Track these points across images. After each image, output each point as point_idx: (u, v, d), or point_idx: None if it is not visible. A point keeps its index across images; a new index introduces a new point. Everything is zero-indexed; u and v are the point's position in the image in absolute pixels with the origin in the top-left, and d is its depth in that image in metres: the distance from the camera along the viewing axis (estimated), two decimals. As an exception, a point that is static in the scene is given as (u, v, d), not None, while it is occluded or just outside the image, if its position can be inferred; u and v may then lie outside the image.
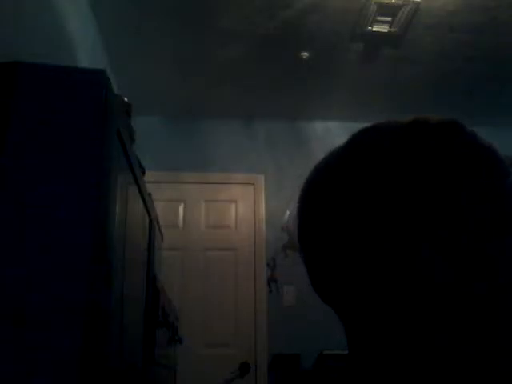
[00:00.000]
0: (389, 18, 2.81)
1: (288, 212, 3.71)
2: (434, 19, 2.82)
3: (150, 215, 1.98)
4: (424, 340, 0.42)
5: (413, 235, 0.43)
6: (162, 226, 2.68)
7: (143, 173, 1.96)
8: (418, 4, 2.69)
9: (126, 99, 1.91)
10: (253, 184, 3.83)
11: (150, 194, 2.06)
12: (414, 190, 0.44)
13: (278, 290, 3.61)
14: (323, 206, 0.49)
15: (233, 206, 3.80)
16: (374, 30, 2.89)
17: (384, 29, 2.89)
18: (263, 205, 3.78)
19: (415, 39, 3.00)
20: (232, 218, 3.78)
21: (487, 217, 0.43)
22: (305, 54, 3.14)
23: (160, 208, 2.82)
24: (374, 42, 3.04)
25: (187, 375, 3.07)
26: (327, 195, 0.49)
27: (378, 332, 0.45)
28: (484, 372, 0.41)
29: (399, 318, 0.43)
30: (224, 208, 3.79)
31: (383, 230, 0.44)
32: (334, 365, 3.04)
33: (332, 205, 0.48)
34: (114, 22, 2.81)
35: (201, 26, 2.87)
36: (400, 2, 2.67)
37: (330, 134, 3.80)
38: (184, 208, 3.75)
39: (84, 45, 2.53)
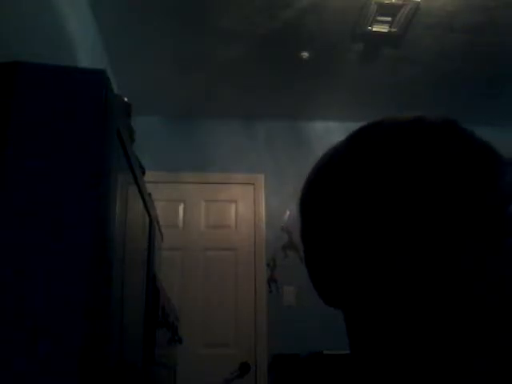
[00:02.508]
0: (389, 18, 2.81)
1: (288, 212, 3.71)
2: (434, 19, 2.82)
3: (150, 215, 1.98)
4: (424, 340, 0.42)
5: (412, 237, 0.43)
6: (162, 225, 2.68)
7: (143, 173, 1.96)
8: (417, 4, 2.69)
9: (126, 99, 1.91)
10: (253, 184, 3.83)
11: (150, 194, 2.05)
12: (412, 191, 0.44)
13: (278, 289, 3.61)
14: (322, 205, 0.49)
15: (233, 205, 3.80)
16: (374, 29, 2.89)
17: (384, 29, 2.89)
18: (263, 205, 3.78)
19: (415, 39, 3.00)
20: (232, 217, 3.78)
21: (485, 216, 0.43)
22: (305, 54, 3.14)
23: (160, 208, 2.82)
24: (374, 41, 3.04)
25: (187, 375, 3.07)
26: (325, 195, 0.49)
27: (379, 332, 0.45)
28: (483, 374, 0.41)
29: (398, 319, 0.43)
30: (224, 208, 3.79)
31: (380, 230, 0.44)
32: (334, 365, 3.04)
33: (330, 204, 0.48)
34: (114, 22, 2.81)
35: (201, 26, 2.87)
36: (400, 2, 2.67)
37: (330, 134, 3.80)
38: (184, 208, 3.75)
39: (84, 45, 2.53)
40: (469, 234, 0.42)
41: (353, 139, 0.51)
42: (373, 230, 0.45)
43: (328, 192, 0.49)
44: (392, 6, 2.70)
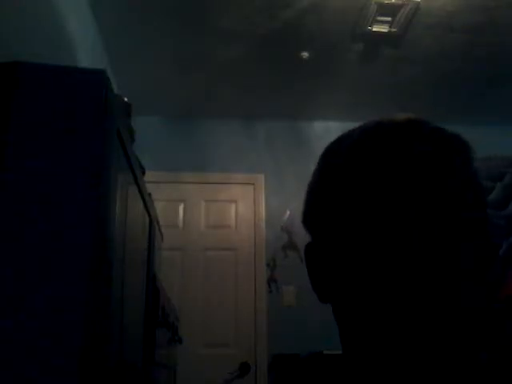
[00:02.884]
0: (389, 18, 2.81)
1: (288, 212, 3.71)
2: (434, 19, 2.82)
3: (150, 215, 1.98)
4: (418, 341, 0.42)
5: (406, 235, 0.43)
6: (162, 225, 2.68)
7: (143, 173, 1.96)
8: (417, 4, 2.68)
9: (126, 99, 1.91)
10: (253, 184, 3.83)
11: (150, 194, 2.05)
12: (391, 188, 0.45)
13: (278, 289, 3.61)
14: (316, 204, 0.53)
15: (233, 205, 3.80)
16: (374, 29, 2.89)
17: (384, 29, 2.89)
18: (263, 205, 3.78)
19: (415, 39, 3.00)
20: (232, 218, 3.78)
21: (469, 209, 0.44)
22: (305, 54, 3.14)
23: (160, 208, 2.82)
24: (374, 41, 3.04)
25: (187, 375, 3.07)
26: (319, 193, 0.53)
27: (372, 328, 0.45)
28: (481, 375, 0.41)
29: (393, 316, 0.43)
30: (224, 208, 3.79)
31: (374, 228, 0.45)
32: (334, 365, 3.04)
33: (324, 203, 0.52)
34: (114, 22, 2.81)
35: (201, 26, 2.87)
36: (400, 2, 2.67)
37: (330, 133, 3.74)
38: (184, 208, 3.75)
39: (84, 45, 2.53)
40: (462, 234, 0.42)
41: (327, 148, 0.55)
42: (367, 228, 0.45)
43: (319, 190, 0.53)
44: (392, 5, 2.70)
